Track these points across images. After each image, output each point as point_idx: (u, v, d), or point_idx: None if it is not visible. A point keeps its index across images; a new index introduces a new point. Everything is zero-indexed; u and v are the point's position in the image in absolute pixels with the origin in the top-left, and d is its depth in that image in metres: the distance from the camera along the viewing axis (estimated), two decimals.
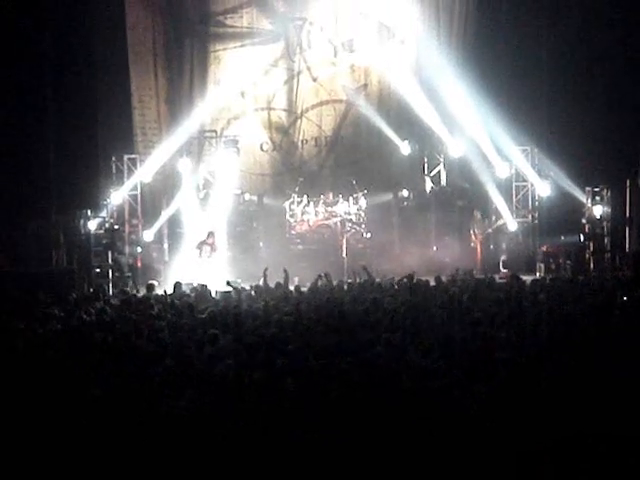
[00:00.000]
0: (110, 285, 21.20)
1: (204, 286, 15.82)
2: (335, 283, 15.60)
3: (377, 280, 15.59)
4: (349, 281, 16.38)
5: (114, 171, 23.22)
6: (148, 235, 22.96)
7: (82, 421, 7.34)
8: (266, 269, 15.67)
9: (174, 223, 23.23)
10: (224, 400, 7.60)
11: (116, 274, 21.87)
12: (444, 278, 15.77)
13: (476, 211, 23.28)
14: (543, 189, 23.09)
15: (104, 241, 22.02)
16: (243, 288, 15.55)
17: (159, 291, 16.05)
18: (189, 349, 9.48)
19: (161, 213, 23.18)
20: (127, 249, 22.69)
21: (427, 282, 15.02)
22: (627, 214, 21.63)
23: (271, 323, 10.74)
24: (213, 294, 15.41)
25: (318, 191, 23.65)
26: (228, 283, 15.70)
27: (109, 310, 12.97)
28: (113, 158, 23.27)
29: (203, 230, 21.96)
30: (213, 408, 7.44)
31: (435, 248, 22.92)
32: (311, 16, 24.59)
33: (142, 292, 16.23)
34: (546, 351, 9.10)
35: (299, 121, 24.80)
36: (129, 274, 22.13)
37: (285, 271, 15.52)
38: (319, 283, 15.38)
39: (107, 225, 22.27)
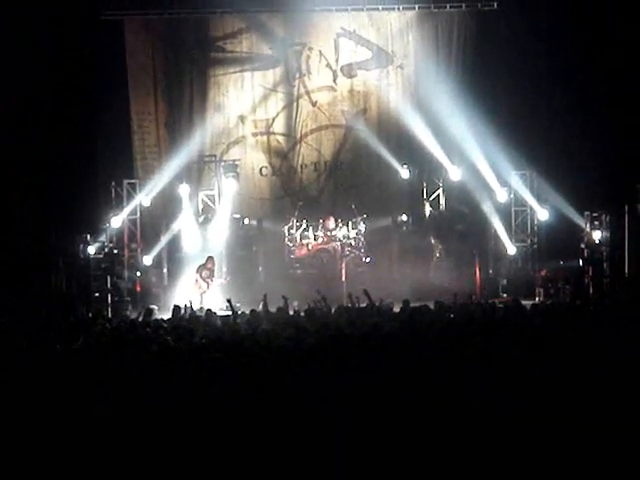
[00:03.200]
0: (109, 310, 21.20)
1: (203, 310, 15.79)
2: (334, 308, 15.54)
3: (376, 304, 15.54)
4: (348, 305, 16.33)
5: (113, 195, 23.26)
6: (147, 259, 22.97)
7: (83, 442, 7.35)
8: (265, 295, 15.59)
9: (173, 247, 23.25)
10: (223, 424, 7.61)
11: (115, 298, 21.88)
12: (443, 302, 15.71)
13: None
14: (542, 214, 23.12)
15: (103, 265, 22.05)
16: (243, 312, 15.51)
17: (158, 316, 16.02)
18: (187, 373, 9.45)
19: (160, 237, 23.19)
20: (126, 273, 22.70)
21: (426, 306, 14.97)
22: (626, 239, 21.63)
23: (271, 348, 10.71)
24: (213, 319, 15.35)
25: (317, 215, 23.70)
26: (229, 301, 15.64)
27: (108, 333, 12.92)
28: (113, 183, 23.32)
29: (202, 255, 22.04)
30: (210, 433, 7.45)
31: (434, 273, 22.91)
32: (310, 41, 24.72)
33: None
34: (543, 374, 9.11)
35: (298, 146, 24.87)
36: (128, 299, 22.14)
37: (284, 297, 15.46)
38: (315, 308, 15.32)
39: (106, 249, 22.30)
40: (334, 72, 24.84)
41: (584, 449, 7.23)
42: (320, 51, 24.77)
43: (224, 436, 7.38)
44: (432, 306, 14.99)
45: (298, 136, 24.88)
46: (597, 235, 22.08)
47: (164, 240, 23.12)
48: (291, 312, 15.32)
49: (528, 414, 7.73)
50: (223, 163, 23.98)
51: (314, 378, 8.97)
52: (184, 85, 24.65)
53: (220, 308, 18.49)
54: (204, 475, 7.11)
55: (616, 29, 21.76)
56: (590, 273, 22.09)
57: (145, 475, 7.08)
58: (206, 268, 21.31)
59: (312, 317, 14.38)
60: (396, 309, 15.15)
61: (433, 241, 23.41)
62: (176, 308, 15.77)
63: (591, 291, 21.76)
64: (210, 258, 21.59)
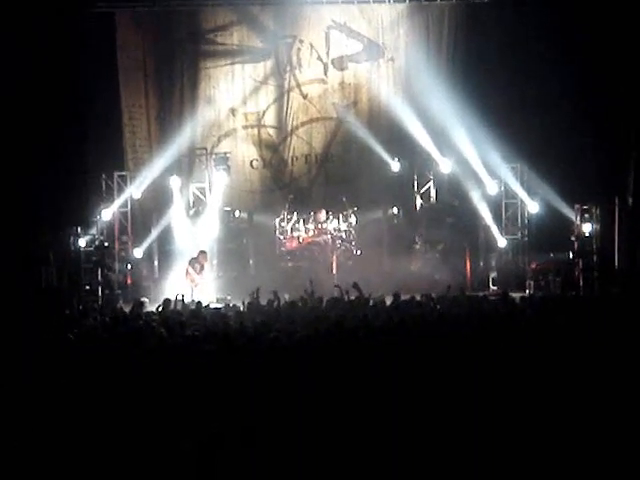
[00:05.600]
0: (100, 302, 21.18)
1: (195, 302, 15.81)
2: (325, 300, 15.55)
3: (367, 297, 15.55)
4: (338, 297, 16.34)
5: (104, 188, 23.23)
6: (138, 252, 22.96)
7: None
8: (258, 289, 15.59)
9: (164, 240, 23.23)
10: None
11: (106, 291, 21.86)
12: (434, 295, 15.74)
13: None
14: (532, 206, 23.14)
15: (94, 258, 22.02)
16: (234, 305, 15.54)
17: (149, 308, 16.02)
18: (181, 365, 9.47)
19: (151, 230, 23.17)
20: (117, 266, 22.67)
21: (416, 299, 14.98)
22: (616, 231, 21.70)
23: (263, 340, 10.72)
24: (203, 311, 15.36)
25: (308, 208, 23.70)
26: (217, 300, 15.67)
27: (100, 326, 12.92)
28: (103, 175, 23.29)
29: (193, 247, 22.04)
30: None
31: (425, 265, 22.93)
32: (301, 34, 24.69)
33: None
34: (536, 366, 9.16)
35: (289, 138, 24.85)
36: (119, 291, 22.12)
37: (274, 291, 15.49)
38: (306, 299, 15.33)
39: (97, 242, 22.26)
40: (325, 65, 24.82)
41: (577, 441, 7.27)
42: (311, 44, 24.75)
43: (220, 426, 7.41)
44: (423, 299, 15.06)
45: (289, 129, 24.86)
46: (587, 228, 22.16)
47: (155, 233, 23.10)
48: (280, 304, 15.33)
49: (523, 405, 7.78)
50: (214, 156, 23.96)
51: (306, 370, 9.01)
52: (175, 78, 24.61)
53: (211, 301, 18.52)
54: (199, 465, 7.14)
55: (606, 21, 21.75)
56: (580, 265, 22.18)
57: (143, 468, 7.11)
58: (198, 262, 21.26)
59: (302, 309, 14.44)
60: (387, 301, 15.18)
61: (417, 239, 23.51)
62: (166, 301, 15.79)
63: (581, 283, 21.84)
64: (202, 252, 21.52)
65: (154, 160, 23.67)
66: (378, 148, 23.99)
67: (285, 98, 24.84)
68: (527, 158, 23.03)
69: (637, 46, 21.36)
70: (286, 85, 24.83)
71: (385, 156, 23.98)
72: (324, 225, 23.26)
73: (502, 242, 23.21)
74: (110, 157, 23.97)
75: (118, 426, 7.56)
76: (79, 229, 21.72)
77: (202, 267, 21.29)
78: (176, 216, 23.26)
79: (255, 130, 24.88)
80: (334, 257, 22.37)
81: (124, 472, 7.15)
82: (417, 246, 23.54)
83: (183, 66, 24.62)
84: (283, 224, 23.35)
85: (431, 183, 24.15)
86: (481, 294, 17.13)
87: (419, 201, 24.14)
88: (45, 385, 8.78)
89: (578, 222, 22.34)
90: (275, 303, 15.09)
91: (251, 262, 23.32)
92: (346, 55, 24.80)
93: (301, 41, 24.72)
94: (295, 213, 23.42)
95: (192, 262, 21.25)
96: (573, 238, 22.44)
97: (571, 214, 22.51)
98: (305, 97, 24.87)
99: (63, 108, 22.52)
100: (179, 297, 16.05)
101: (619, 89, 22.00)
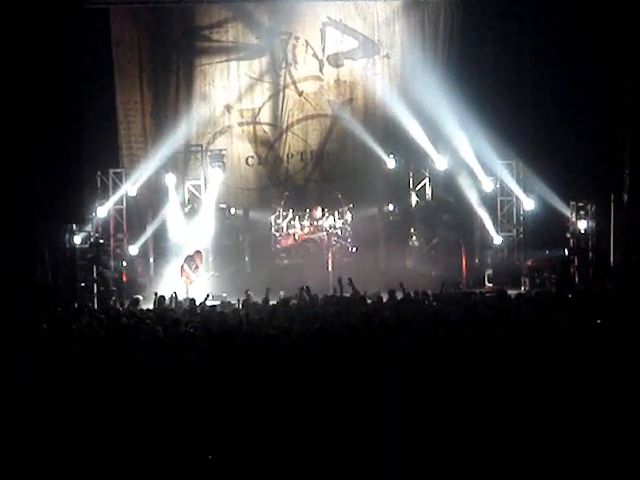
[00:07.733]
0: (95, 300, 21.16)
1: (188, 300, 15.79)
2: (320, 297, 15.55)
3: (361, 294, 15.55)
4: (335, 294, 16.34)
5: (99, 185, 23.16)
6: (133, 249, 22.90)
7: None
8: (267, 290, 15.54)
9: (159, 237, 23.18)
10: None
11: (101, 289, 21.82)
12: (430, 292, 15.74)
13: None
14: (528, 203, 23.15)
15: (89, 255, 21.99)
16: (229, 302, 15.53)
17: (144, 306, 16.01)
18: (177, 363, 9.46)
19: (146, 227, 23.12)
20: (112, 263, 22.60)
21: (410, 296, 14.96)
22: (611, 228, 21.72)
23: (260, 337, 10.71)
24: (198, 309, 15.35)
25: (304, 205, 23.73)
26: (208, 296, 15.68)
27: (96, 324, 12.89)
28: (98, 172, 23.20)
29: (189, 244, 22.01)
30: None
31: (420, 262, 22.94)
32: (296, 31, 24.67)
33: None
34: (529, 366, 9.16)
35: (285, 135, 24.84)
36: (114, 288, 22.08)
37: (267, 289, 15.50)
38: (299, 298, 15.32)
39: (92, 239, 22.23)
40: (320, 61, 24.81)
41: (576, 438, 7.27)
42: (306, 40, 24.73)
43: (217, 423, 7.41)
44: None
45: (284, 126, 24.85)
46: (583, 225, 22.19)
47: (150, 230, 23.05)
48: (275, 302, 15.34)
49: (521, 402, 7.77)
50: (209, 153, 23.94)
51: (304, 367, 9.00)
52: (170, 74, 24.57)
53: (206, 298, 18.49)
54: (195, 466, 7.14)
55: (602, 20, 21.73)
56: (576, 262, 22.21)
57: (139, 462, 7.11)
58: (193, 260, 21.26)
59: (299, 305, 14.44)
60: (383, 298, 15.17)
61: (411, 231, 23.52)
62: (161, 298, 15.79)
63: (577, 280, 21.84)
64: (198, 252, 21.51)
65: (149, 157, 23.63)
66: (374, 145, 23.98)
67: (280, 95, 24.83)
68: (523, 155, 23.05)
69: (632, 44, 21.35)
70: (281, 82, 24.81)
71: (381, 153, 23.98)
72: (320, 222, 23.29)
73: (497, 239, 23.22)
74: (105, 154, 23.89)
75: (115, 424, 7.55)
76: (74, 226, 21.67)
77: (197, 267, 21.30)
78: (171, 213, 23.22)
79: (250, 127, 24.86)
80: (330, 254, 22.35)
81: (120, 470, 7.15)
82: (413, 243, 23.57)
83: (178, 63, 24.59)
84: (279, 221, 23.37)
85: (427, 180, 24.16)
86: (477, 291, 17.12)
87: (415, 198, 24.16)
88: (40, 382, 8.76)
89: (574, 219, 22.37)
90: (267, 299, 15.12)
91: (247, 259, 23.32)
92: (341, 52, 24.80)
93: (296, 38, 24.71)
94: (291, 210, 23.45)
95: (188, 260, 21.25)
96: (569, 235, 22.48)
97: (567, 211, 22.54)
98: (300, 94, 24.86)
99: (58, 105, 22.43)
100: (172, 295, 16.06)
101: (614, 87, 21.99)
